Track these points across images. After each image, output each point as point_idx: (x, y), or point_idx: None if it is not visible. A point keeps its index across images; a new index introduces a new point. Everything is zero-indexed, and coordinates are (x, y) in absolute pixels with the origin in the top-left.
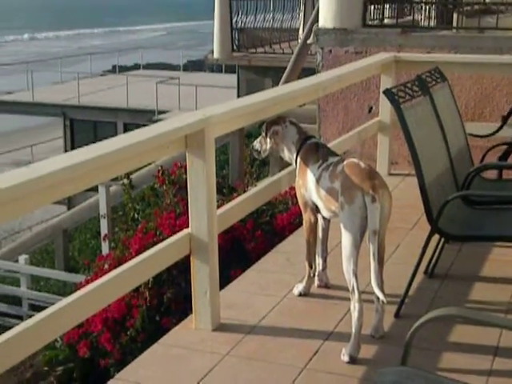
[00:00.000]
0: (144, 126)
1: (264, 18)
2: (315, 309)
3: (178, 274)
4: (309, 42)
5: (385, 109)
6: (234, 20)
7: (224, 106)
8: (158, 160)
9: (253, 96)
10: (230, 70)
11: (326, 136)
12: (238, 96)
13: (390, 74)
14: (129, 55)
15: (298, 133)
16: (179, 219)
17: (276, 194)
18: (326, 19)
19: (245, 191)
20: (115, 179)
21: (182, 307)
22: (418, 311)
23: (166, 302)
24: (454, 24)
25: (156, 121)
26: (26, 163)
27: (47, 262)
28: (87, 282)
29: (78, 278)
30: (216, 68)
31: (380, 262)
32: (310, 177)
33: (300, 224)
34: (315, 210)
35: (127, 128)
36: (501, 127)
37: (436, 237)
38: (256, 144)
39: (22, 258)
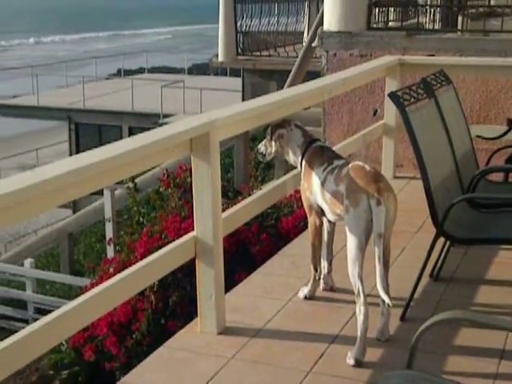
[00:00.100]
0: (149, 129)
1: (269, 22)
2: (320, 312)
3: (183, 277)
4: (313, 45)
5: (390, 112)
6: (238, 23)
7: (229, 110)
8: (163, 163)
9: (257, 99)
10: (234, 73)
11: (331, 139)
12: (243, 99)
13: (394, 77)
14: (134, 59)
15: (303, 136)
16: (184, 222)
17: (281, 197)
18: (330, 22)
19: (250, 194)
20: (120, 183)
21: (187, 310)
22: (423, 314)
23: (171, 306)
24: (459, 27)
25: (161, 124)
26: (31, 167)
27: (52, 265)
28: (92, 286)
29: (83, 281)
30: (221, 71)
31: (385, 265)
32: (315, 180)
33: (305, 227)
34: (320, 213)
35: (132, 132)
36: (509, 130)
37: (441, 240)
38: (261, 147)
39: (28, 261)
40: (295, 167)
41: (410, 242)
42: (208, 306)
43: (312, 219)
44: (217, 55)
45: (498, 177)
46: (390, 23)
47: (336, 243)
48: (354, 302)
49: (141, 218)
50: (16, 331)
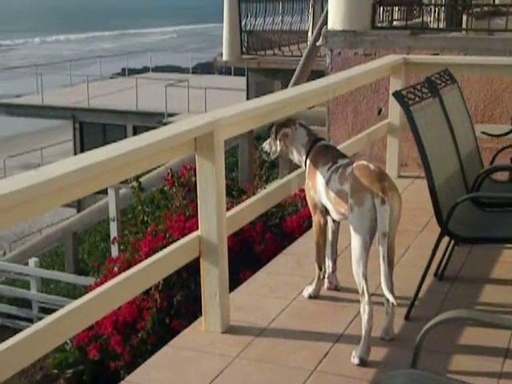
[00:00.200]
0: (153, 128)
1: (273, 21)
2: (325, 311)
3: (188, 276)
4: (318, 44)
5: (394, 111)
6: (243, 22)
7: (233, 109)
8: (168, 162)
9: (262, 98)
10: (239, 72)
11: (336, 138)
12: (248, 98)
13: (399, 76)
14: (138, 58)
15: (307, 135)
16: (189, 222)
17: (285, 196)
18: (335, 21)
19: (254, 193)
20: (125, 182)
21: (191, 309)
22: (428, 313)
23: (175, 305)
24: (464, 26)
25: (165, 123)
26: (35, 166)
27: (57, 264)
28: (97, 285)
29: (88, 280)
30: (225, 70)
31: (390, 264)
32: (320, 179)
33: (309, 226)
34: (325, 212)
35: (137, 131)
36: None
37: (446, 239)
38: (265, 146)
39: (32, 260)
40: (300, 166)
41: (415, 241)
42: (212, 305)
43: (316, 218)
44: (221, 54)
45: (502, 176)
46: (395, 22)
47: (340, 242)
48: (358, 301)
49: (145, 217)
50: (20, 330)
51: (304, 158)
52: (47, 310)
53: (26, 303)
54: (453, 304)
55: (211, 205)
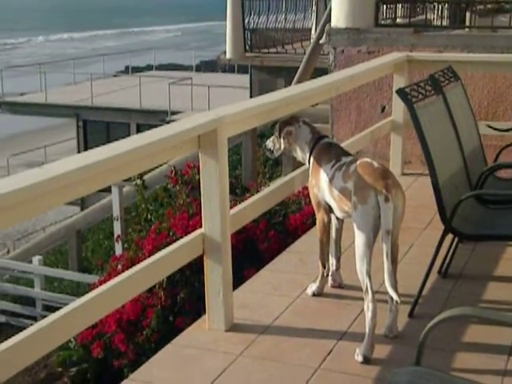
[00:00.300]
0: (157, 126)
1: (276, 19)
2: (329, 309)
3: (192, 274)
4: (321, 41)
5: (398, 108)
6: (246, 20)
7: (237, 106)
8: (171, 160)
9: (265, 96)
10: (242, 70)
11: (339, 136)
12: (251, 96)
13: (402, 74)
14: (141, 56)
15: (311, 133)
16: (192, 219)
17: (289, 194)
18: (338, 19)
19: (258, 191)
20: (128, 180)
21: (195, 307)
22: (431, 311)
23: (179, 303)
24: (467, 23)
25: (169, 121)
26: (39, 164)
27: (61, 262)
28: (100, 283)
29: (92, 278)
30: (228, 68)
31: (393, 261)
32: (323, 177)
33: (313, 224)
34: (328, 209)
35: (140, 129)
36: None
37: (450, 236)
38: (269, 143)
39: (36, 258)
40: (303, 164)
41: (418, 239)
42: (216, 303)
43: (320, 216)
44: (225, 52)
45: (506, 173)
46: (398, 20)
47: (344, 240)
48: (362, 299)
49: (149, 215)
50: (24, 328)
51: (307, 155)
52: (51, 308)
53: (29, 301)
54: (457, 301)
55: (215, 203)
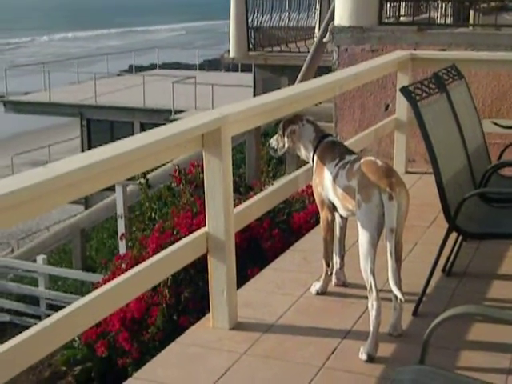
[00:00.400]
0: (161, 125)
1: (280, 17)
2: (333, 307)
3: (196, 273)
4: (325, 40)
5: (401, 106)
6: (250, 19)
7: (240, 105)
8: (175, 159)
9: (269, 95)
10: (246, 68)
11: (343, 134)
12: (255, 95)
13: (406, 72)
14: (145, 55)
15: (314, 131)
16: (196, 218)
17: (293, 192)
18: (341, 17)
19: (261, 190)
20: (132, 179)
21: (199, 306)
22: (435, 309)
23: (183, 302)
24: (471, 21)
25: (172, 120)
26: (43, 163)
27: (65, 261)
28: (105, 282)
29: (96, 277)
30: (232, 67)
31: (397, 260)
32: (327, 175)
33: (317, 222)
34: (332, 208)
35: (144, 128)
36: None
37: (454, 235)
38: (273, 142)
39: (40, 257)
40: (307, 162)
41: (422, 237)
42: (220, 302)
43: (324, 214)
44: (228, 51)
45: (510, 171)
46: (402, 18)
47: (348, 238)
48: (366, 297)
49: (153, 214)
50: (28, 327)
51: (311, 154)
52: (55, 307)
53: (33, 300)
54: (461, 300)
55: (218, 201)
